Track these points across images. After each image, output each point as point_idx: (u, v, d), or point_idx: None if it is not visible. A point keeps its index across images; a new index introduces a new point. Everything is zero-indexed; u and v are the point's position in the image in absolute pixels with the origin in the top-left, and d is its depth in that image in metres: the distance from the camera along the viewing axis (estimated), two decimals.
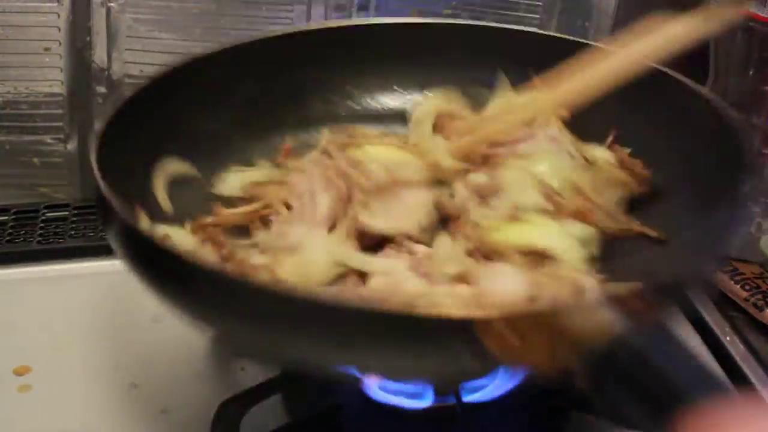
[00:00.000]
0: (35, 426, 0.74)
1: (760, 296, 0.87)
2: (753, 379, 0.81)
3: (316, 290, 0.60)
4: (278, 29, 0.89)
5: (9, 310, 0.87)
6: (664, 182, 0.77)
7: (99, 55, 1.02)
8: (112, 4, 0.99)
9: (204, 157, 0.81)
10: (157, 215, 0.72)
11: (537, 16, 1.09)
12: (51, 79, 1.01)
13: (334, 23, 0.93)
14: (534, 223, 0.71)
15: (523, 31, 0.93)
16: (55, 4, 0.98)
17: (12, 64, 1.00)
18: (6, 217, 1.00)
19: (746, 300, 0.88)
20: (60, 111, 1.03)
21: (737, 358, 0.83)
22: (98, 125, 0.70)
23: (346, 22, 0.95)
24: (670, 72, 0.79)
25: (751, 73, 0.98)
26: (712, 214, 0.66)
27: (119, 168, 0.67)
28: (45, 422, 0.74)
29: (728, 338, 0.85)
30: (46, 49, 1.00)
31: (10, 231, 0.98)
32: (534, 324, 0.50)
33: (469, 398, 0.71)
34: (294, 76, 0.89)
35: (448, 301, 0.61)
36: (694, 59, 1.08)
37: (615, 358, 0.48)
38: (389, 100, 0.94)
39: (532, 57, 0.87)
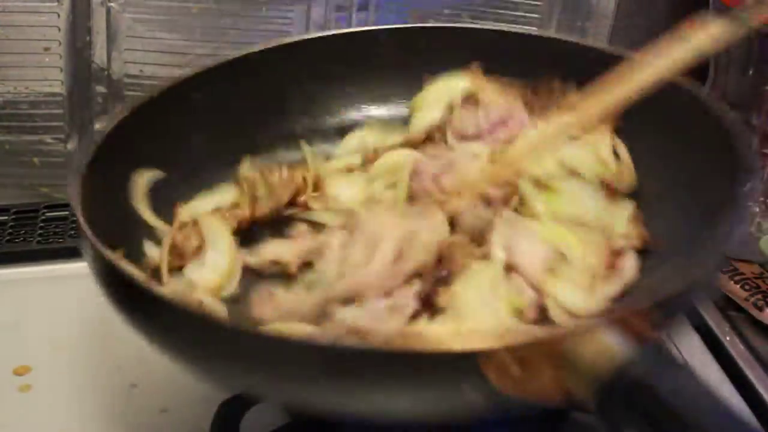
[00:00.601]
0: (35, 426, 0.74)
1: (760, 296, 0.87)
2: (753, 379, 0.81)
3: (310, 334, 0.59)
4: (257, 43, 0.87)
5: (9, 310, 0.87)
6: (660, 189, 0.74)
7: (99, 55, 1.02)
8: (112, 4, 0.99)
9: (183, 180, 0.79)
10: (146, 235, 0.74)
11: (537, 16, 1.09)
12: (51, 79, 1.01)
13: (311, 35, 0.91)
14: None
15: (517, 33, 0.90)
16: (55, 4, 0.98)
17: (12, 64, 1.00)
18: (6, 217, 1.00)
19: (746, 300, 0.88)
20: (60, 111, 1.03)
21: (737, 358, 0.83)
22: (79, 167, 0.68)
23: (323, 33, 0.93)
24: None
25: (751, 73, 0.98)
26: (711, 220, 0.63)
27: (102, 206, 0.67)
28: (45, 422, 0.74)
29: (728, 338, 0.85)
30: (46, 49, 1.00)
31: (10, 231, 0.98)
32: (535, 352, 0.48)
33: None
34: (273, 91, 0.87)
35: (443, 335, 0.60)
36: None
37: (623, 387, 0.45)
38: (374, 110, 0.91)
39: (532, 61, 0.85)
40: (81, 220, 0.62)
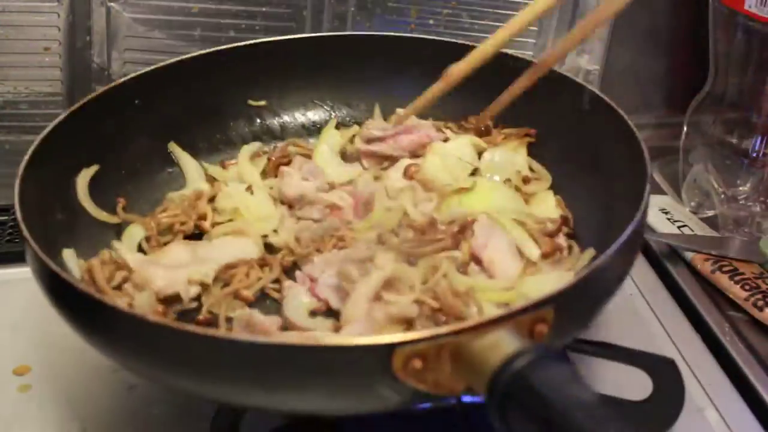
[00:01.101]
0: (35, 426, 0.74)
1: (760, 296, 0.87)
2: (753, 379, 0.80)
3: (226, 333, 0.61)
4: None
5: (9, 310, 0.87)
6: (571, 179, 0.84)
7: (99, 55, 1.02)
8: (112, 4, 0.99)
9: (126, 179, 0.86)
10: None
11: None
12: (51, 79, 1.01)
13: (259, 40, 0.95)
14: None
15: (444, 41, 0.95)
16: (55, 4, 0.98)
17: (12, 64, 1.00)
18: (6, 217, 1.00)
19: (746, 300, 0.88)
20: (60, 111, 1.02)
21: (737, 358, 0.83)
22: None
23: (272, 39, 0.97)
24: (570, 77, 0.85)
25: (751, 73, 0.98)
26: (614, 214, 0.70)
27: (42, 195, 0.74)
28: (45, 422, 0.74)
29: (728, 338, 0.85)
30: (46, 49, 1.00)
31: (10, 231, 0.98)
32: (433, 346, 0.52)
33: (468, 399, 0.71)
34: (216, 95, 0.93)
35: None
36: (694, 59, 1.08)
37: (507, 379, 0.49)
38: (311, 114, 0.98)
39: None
40: (21, 224, 0.68)
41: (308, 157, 0.90)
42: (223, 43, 1.03)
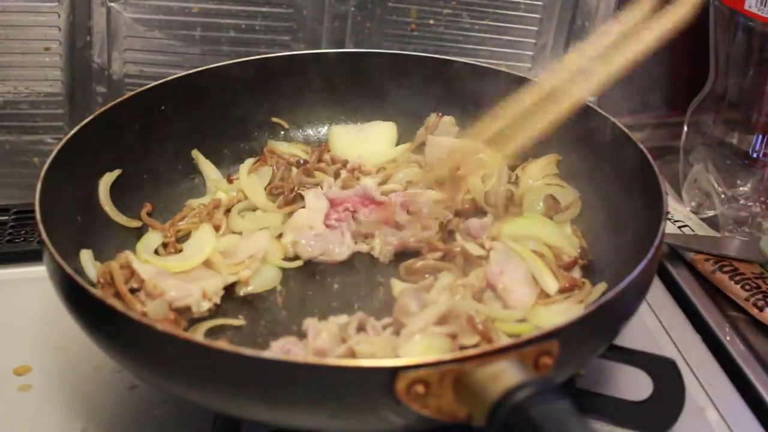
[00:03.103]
0: (35, 426, 0.74)
1: (760, 296, 0.87)
2: (753, 379, 0.81)
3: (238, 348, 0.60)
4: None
5: (9, 310, 0.87)
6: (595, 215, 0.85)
7: (99, 55, 1.02)
8: (112, 4, 0.99)
9: (149, 185, 0.87)
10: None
11: (537, 15, 1.09)
12: (51, 79, 1.01)
13: (291, 53, 0.97)
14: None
15: (459, 62, 0.96)
16: (55, 4, 0.98)
17: (12, 64, 1.00)
18: (6, 217, 1.00)
19: (746, 300, 0.88)
20: (60, 111, 1.03)
21: (737, 358, 0.83)
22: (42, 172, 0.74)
23: (303, 52, 0.99)
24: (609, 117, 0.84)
25: (751, 73, 0.98)
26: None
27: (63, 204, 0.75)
28: (45, 422, 0.74)
29: (728, 338, 0.85)
30: (46, 49, 1.00)
31: (10, 231, 0.98)
32: (435, 373, 0.53)
33: None
34: (242, 104, 0.94)
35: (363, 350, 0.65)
36: (694, 59, 1.08)
37: (507, 409, 0.50)
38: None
39: (469, 89, 0.93)
40: (40, 225, 0.67)
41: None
42: (223, 44, 1.03)
